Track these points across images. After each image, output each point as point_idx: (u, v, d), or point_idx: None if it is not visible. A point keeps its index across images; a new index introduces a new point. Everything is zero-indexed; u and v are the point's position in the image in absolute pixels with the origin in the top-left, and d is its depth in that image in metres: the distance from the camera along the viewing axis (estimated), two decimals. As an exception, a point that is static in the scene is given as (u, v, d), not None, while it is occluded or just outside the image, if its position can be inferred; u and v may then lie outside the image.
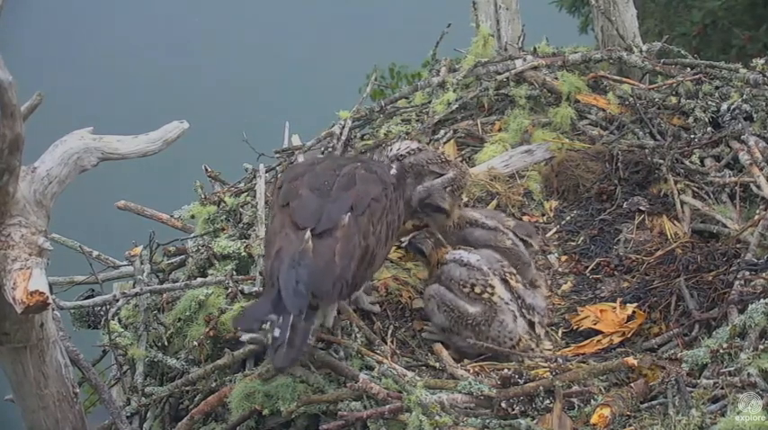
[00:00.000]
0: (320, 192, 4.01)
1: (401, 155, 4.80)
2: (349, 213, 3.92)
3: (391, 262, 4.86)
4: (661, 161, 5.30)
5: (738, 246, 4.61)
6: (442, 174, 4.78)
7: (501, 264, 4.49)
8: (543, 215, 5.39)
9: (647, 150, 5.44)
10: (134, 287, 4.76)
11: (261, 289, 4.47)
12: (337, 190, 4.02)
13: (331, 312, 4.03)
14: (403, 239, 4.89)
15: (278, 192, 4.16)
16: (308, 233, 3.82)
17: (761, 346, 3.77)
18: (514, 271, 4.51)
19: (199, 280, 4.59)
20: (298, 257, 3.73)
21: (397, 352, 4.29)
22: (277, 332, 3.62)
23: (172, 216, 5.48)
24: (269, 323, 3.70)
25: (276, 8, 19.02)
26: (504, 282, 4.43)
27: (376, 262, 4.09)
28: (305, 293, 3.65)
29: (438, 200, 4.72)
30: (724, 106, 5.55)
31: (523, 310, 4.39)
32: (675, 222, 5.04)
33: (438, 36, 6.68)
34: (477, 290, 4.35)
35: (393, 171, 4.36)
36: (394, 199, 4.19)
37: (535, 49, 6.46)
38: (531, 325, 4.40)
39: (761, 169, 5.05)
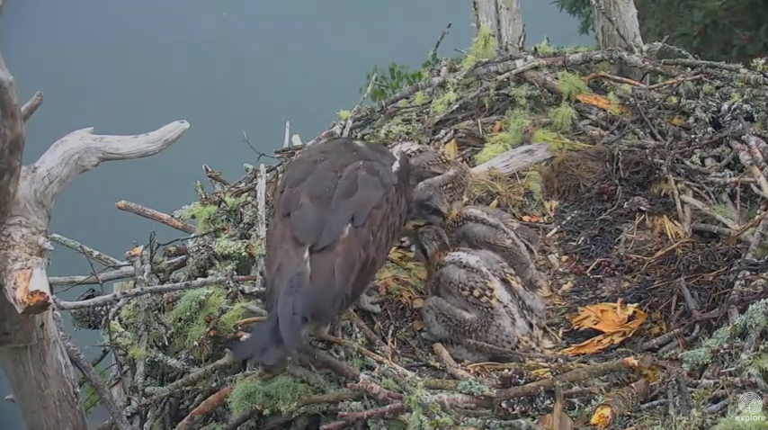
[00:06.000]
0: (320, 200, 3.94)
1: None
2: (349, 224, 3.87)
3: (391, 262, 4.86)
4: (661, 161, 5.29)
5: (739, 246, 4.60)
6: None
7: (501, 265, 4.49)
8: (544, 215, 5.38)
9: (647, 150, 5.43)
10: (134, 287, 4.75)
11: (261, 289, 4.48)
12: (338, 197, 3.95)
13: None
14: (403, 239, 4.89)
15: (280, 196, 4.10)
16: (307, 253, 3.77)
17: (761, 346, 3.77)
18: (514, 271, 4.51)
19: (199, 280, 4.59)
20: (295, 282, 3.68)
21: (398, 352, 4.28)
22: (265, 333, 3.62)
23: (172, 216, 5.48)
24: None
25: (276, 8, 19.02)
26: (505, 282, 4.42)
27: (375, 269, 4.08)
28: (301, 325, 3.62)
29: (437, 202, 4.70)
30: (725, 106, 5.54)
31: (524, 311, 4.39)
32: (676, 222, 5.04)
33: (438, 36, 6.68)
34: (476, 293, 4.34)
35: (396, 166, 4.26)
36: (395, 200, 4.12)
37: (536, 49, 6.45)
38: (531, 326, 4.40)
39: (761, 169, 5.05)
